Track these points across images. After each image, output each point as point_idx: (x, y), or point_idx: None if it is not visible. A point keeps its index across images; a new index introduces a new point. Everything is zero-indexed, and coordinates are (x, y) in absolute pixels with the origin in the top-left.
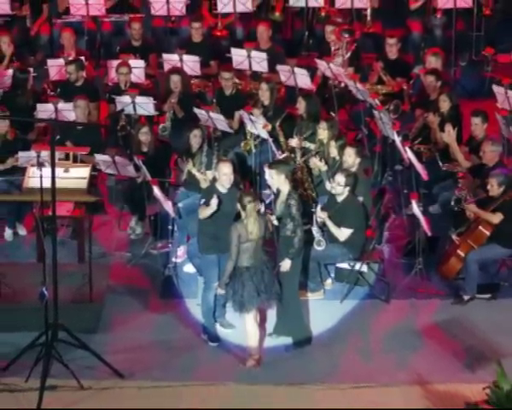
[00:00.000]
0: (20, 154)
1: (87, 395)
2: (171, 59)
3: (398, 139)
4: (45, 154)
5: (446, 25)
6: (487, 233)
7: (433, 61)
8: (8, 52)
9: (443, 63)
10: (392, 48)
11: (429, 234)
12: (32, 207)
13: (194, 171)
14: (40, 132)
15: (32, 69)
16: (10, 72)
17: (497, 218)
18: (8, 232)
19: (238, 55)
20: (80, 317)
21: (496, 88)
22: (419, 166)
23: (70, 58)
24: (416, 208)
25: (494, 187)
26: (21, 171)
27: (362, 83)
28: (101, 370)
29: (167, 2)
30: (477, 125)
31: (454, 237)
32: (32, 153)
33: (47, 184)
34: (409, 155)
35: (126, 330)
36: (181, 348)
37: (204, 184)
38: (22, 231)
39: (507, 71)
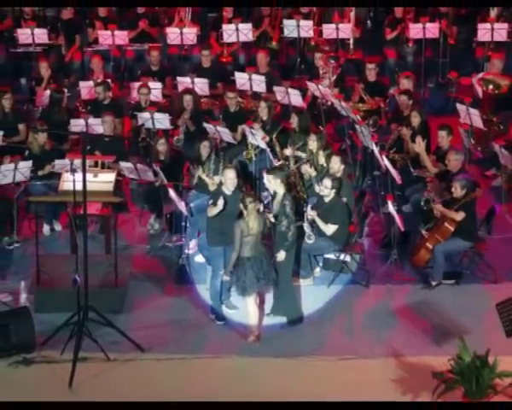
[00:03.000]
0: (57, 161)
1: (112, 366)
2: (184, 81)
3: (376, 149)
4: (77, 161)
5: (417, 52)
6: (452, 229)
7: (406, 83)
8: (46, 75)
9: (414, 85)
10: (371, 72)
11: (403, 229)
12: (67, 207)
13: (203, 176)
14: (73, 143)
15: (66, 90)
16: (48, 92)
17: (459, 216)
18: (46, 228)
19: (241, 78)
20: (107, 300)
21: (459, 106)
22: (394, 172)
23: (98, 80)
24: (391, 207)
25: (457, 190)
26: (57, 176)
27: (345, 101)
28: (124, 344)
29: (181, 33)
30: (443, 138)
31: (423, 232)
32: (67, 161)
33: (79, 187)
34: (385, 162)
35: (146, 310)
36: (192, 326)
37: (212, 187)
38: (58, 227)
39: (468, 92)
